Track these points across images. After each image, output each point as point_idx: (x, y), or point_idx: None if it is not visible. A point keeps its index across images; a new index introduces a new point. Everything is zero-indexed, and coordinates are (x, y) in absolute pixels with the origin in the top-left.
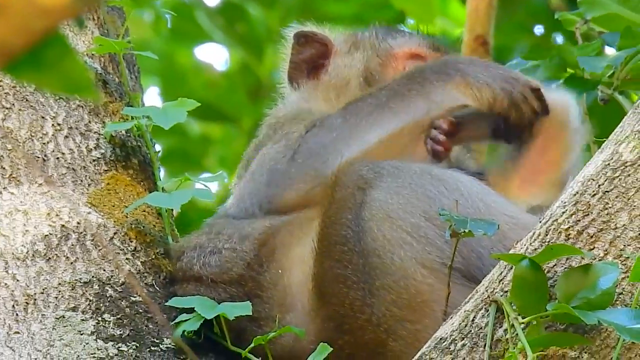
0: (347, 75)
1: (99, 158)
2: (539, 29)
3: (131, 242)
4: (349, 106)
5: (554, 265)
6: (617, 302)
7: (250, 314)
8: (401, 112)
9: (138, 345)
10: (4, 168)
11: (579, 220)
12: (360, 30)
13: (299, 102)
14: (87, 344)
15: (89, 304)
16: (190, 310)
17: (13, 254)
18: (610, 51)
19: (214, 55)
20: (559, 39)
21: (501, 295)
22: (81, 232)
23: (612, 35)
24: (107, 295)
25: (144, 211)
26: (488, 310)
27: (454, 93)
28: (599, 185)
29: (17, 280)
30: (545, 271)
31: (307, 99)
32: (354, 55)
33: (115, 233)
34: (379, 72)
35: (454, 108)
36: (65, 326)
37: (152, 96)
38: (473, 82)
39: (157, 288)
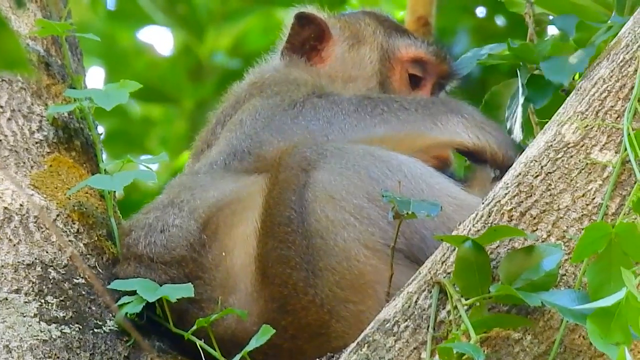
0: (355, 72)
1: (41, 140)
2: (481, 11)
3: (74, 224)
4: (363, 100)
5: (497, 247)
6: (561, 284)
7: (193, 295)
8: (408, 122)
9: (81, 327)
10: None
11: (522, 202)
12: (354, 16)
13: (289, 71)
14: (30, 326)
15: (32, 286)
16: (133, 293)
17: None
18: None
19: (156, 36)
20: (500, 21)
21: (444, 277)
22: (24, 214)
23: (562, 19)
24: (50, 277)
25: (87, 193)
26: (431, 292)
27: (459, 127)
28: (542, 167)
29: None
30: (489, 252)
31: (298, 70)
32: (359, 51)
33: (58, 215)
34: (387, 75)
35: (451, 144)
36: (8, 308)
37: (94, 77)
38: (480, 125)
39: (100, 270)
